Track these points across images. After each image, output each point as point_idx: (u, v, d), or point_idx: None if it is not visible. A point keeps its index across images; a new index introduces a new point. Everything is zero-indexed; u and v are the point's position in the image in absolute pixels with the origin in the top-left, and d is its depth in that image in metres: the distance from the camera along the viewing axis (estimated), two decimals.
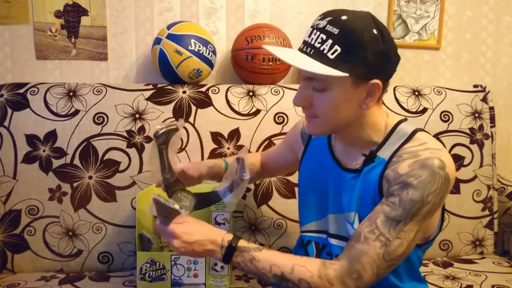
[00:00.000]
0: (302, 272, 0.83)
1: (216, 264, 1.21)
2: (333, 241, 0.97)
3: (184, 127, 1.43)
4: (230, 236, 0.88)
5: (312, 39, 0.82)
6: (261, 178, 1.37)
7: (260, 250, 0.87)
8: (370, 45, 0.80)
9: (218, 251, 0.87)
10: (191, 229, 0.87)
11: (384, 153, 0.89)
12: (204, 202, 1.00)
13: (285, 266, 0.84)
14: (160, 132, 0.93)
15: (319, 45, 0.81)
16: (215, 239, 0.87)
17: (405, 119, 0.93)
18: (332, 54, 0.80)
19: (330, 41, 0.80)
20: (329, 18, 0.82)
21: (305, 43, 0.85)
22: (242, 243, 0.87)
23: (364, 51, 0.80)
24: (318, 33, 0.81)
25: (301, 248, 1.06)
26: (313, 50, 0.82)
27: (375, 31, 0.82)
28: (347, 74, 0.80)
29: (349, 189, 0.93)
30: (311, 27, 0.85)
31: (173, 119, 1.43)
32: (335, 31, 0.80)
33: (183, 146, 1.43)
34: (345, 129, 0.90)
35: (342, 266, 0.82)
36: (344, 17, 0.81)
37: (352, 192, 0.92)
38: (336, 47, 0.79)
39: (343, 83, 0.82)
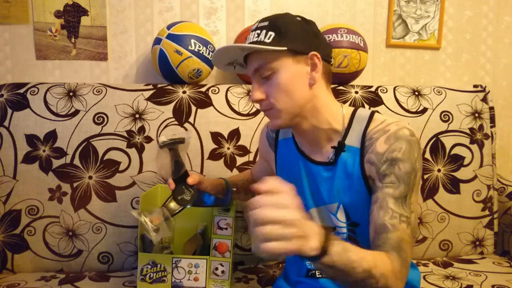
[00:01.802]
0: (384, 267, 0.76)
1: (217, 269, 1.21)
2: None
3: (184, 127, 1.43)
4: (319, 226, 0.70)
5: (249, 39, 0.92)
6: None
7: (345, 241, 0.74)
8: (296, 26, 0.91)
9: (316, 239, 0.67)
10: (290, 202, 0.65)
11: (351, 141, 0.93)
12: (201, 202, 1.08)
13: (371, 260, 0.74)
14: (163, 144, 1.04)
15: (256, 38, 0.90)
16: (311, 225, 0.68)
17: (359, 106, 0.96)
18: (268, 39, 0.89)
19: (264, 31, 0.90)
20: (258, 21, 0.94)
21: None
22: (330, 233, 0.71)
23: (293, 31, 0.90)
24: (253, 33, 0.92)
25: None
26: (252, 44, 0.91)
27: (297, 18, 0.94)
28: (284, 48, 0.88)
29: (327, 181, 0.95)
30: (251, 31, 0.94)
31: (173, 118, 1.43)
32: (265, 23, 0.91)
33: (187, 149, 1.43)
34: (305, 118, 0.93)
35: (397, 259, 0.79)
36: (269, 16, 0.94)
37: (331, 183, 0.94)
38: (270, 33, 0.89)
39: (285, 62, 0.89)
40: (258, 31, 0.91)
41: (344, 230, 0.95)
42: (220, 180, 1.18)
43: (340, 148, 0.93)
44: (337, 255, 0.69)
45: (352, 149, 0.92)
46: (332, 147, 0.94)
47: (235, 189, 1.17)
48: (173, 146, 1.06)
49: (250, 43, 0.91)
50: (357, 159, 0.91)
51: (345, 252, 0.71)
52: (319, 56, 0.90)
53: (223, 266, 1.20)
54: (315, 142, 0.97)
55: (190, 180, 1.05)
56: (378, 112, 0.96)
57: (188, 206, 1.08)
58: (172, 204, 1.10)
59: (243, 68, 0.99)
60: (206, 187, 1.11)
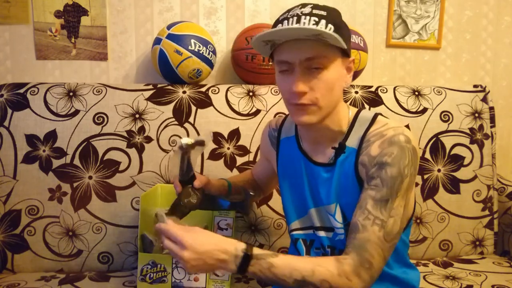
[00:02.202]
0: (323, 273, 0.81)
1: None
2: (321, 233, 1.00)
3: (184, 127, 1.43)
4: (242, 245, 0.83)
5: (305, 23, 0.84)
6: (260, 193, 1.32)
7: (276, 256, 0.83)
8: (346, 26, 0.90)
9: (231, 261, 0.81)
10: (200, 239, 0.82)
11: (351, 142, 0.93)
12: (208, 204, 1.06)
13: (305, 270, 0.81)
14: (186, 144, 0.99)
15: (314, 26, 0.83)
16: (226, 248, 0.81)
17: (364, 108, 0.96)
18: (329, 30, 0.83)
19: (323, 21, 0.84)
20: (310, 5, 0.87)
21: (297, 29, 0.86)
22: (256, 250, 0.83)
23: (346, 30, 0.89)
24: (308, 17, 0.84)
25: (293, 251, 1.08)
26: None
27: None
28: (345, 47, 0.86)
29: (326, 182, 0.96)
30: (294, 16, 0.86)
31: (173, 118, 1.43)
32: (323, 13, 0.85)
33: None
34: (328, 117, 0.92)
35: (353, 259, 0.83)
36: (321, 4, 0.88)
37: (330, 184, 0.95)
38: (330, 25, 0.84)
39: (336, 60, 0.88)
40: (316, 19, 0.84)
41: (342, 231, 0.95)
42: (222, 181, 1.18)
43: (340, 149, 0.94)
44: (258, 272, 0.81)
45: (350, 150, 0.93)
46: (332, 148, 0.95)
47: (253, 193, 1.14)
48: (193, 148, 1.01)
49: (305, 29, 0.84)
50: (353, 161, 0.92)
51: (270, 269, 0.81)
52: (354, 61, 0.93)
53: None
54: (320, 142, 0.98)
55: (196, 183, 1.03)
56: (381, 114, 0.96)
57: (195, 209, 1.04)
58: (183, 208, 1.03)
59: (268, 50, 0.92)
60: (209, 189, 1.09)
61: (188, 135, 1.43)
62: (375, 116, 0.95)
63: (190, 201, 1.01)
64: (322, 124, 0.93)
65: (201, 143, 1.01)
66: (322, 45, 0.84)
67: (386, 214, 0.84)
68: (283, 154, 1.09)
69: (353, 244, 0.84)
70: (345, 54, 0.90)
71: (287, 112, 1.14)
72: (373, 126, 0.92)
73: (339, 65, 0.89)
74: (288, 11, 0.89)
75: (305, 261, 0.85)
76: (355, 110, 0.98)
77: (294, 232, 1.07)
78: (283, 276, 0.81)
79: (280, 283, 0.83)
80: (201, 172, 1.43)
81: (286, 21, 0.86)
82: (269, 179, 1.25)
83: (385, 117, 0.96)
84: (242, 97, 1.49)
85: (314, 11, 0.85)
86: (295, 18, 0.85)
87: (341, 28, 0.87)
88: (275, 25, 0.90)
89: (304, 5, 0.88)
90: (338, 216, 0.95)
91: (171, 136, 1.43)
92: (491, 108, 1.60)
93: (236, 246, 0.82)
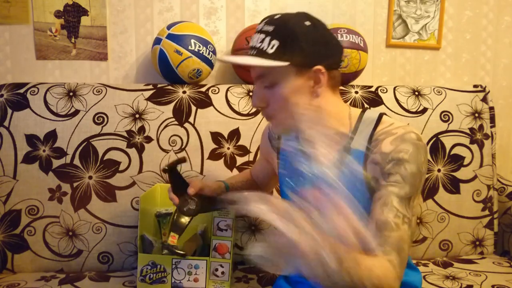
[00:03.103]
0: (382, 275, 0.73)
1: (216, 270, 1.21)
2: None
3: (184, 127, 1.43)
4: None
5: (254, 41, 0.89)
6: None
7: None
8: (303, 35, 0.86)
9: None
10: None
11: (357, 144, 0.90)
12: (208, 206, 1.09)
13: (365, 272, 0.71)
14: (167, 167, 1.07)
15: (260, 44, 0.87)
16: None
17: (368, 108, 0.95)
18: (271, 48, 0.85)
19: (267, 38, 0.86)
20: (265, 20, 0.89)
21: (250, 48, 0.90)
22: None
23: (299, 41, 0.85)
24: (258, 34, 0.88)
25: None
26: (255, 51, 0.88)
27: (306, 23, 0.87)
28: (286, 63, 0.84)
29: None
30: (256, 31, 0.90)
31: (173, 118, 1.43)
32: (270, 28, 0.86)
33: (183, 146, 1.43)
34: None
35: (396, 259, 0.77)
36: (277, 16, 0.88)
37: None
38: (274, 42, 0.85)
39: (288, 75, 0.87)
40: (263, 36, 0.87)
41: None
42: (219, 183, 1.18)
43: (345, 151, 0.91)
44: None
45: (357, 152, 0.90)
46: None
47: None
48: (176, 166, 1.09)
49: (252, 48, 0.88)
50: (361, 163, 0.89)
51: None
52: (323, 70, 0.87)
53: (223, 267, 1.20)
54: None
55: (190, 190, 1.06)
56: (386, 114, 0.95)
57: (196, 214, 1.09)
58: (182, 219, 1.09)
59: None
60: (205, 193, 1.11)
61: (188, 135, 1.43)
62: (380, 115, 0.93)
63: (190, 208, 1.06)
64: None
65: (182, 161, 1.11)
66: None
67: (410, 212, 0.83)
68: (284, 156, 1.08)
69: (391, 243, 0.79)
70: (307, 65, 0.87)
71: None
72: (380, 126, 0.90)
73: (292, 78, 0.87)
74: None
75: (363, 259, 0.74)
76: (358, 110, 0.95)
77: None
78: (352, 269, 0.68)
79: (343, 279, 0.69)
80: (201, 172, 1.43)
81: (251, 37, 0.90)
82: (268, 179, 1.24)
83: (388, 116, 0.95)
84: (242, 97, 1.49)
85: (264, 27, 0.87)
86: (255, 34, 0.90)
87: (291, 42, 0.84)
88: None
89: (263, 19, 0.90)
90: None
91: (171, 136, 1.43)
92: (491, 108, 1.61)
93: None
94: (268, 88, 0.89)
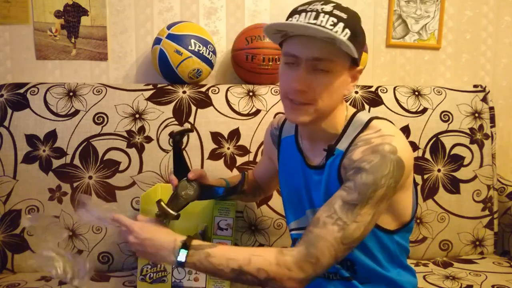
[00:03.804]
0: (260, 262, 0.83)
1: None
2: None
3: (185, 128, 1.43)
4: (182, 237, 0.87)
5: (322, 21, 0.82)
6: (260, 193, 1.33)
7: (215, 246, 0.86)
8: (362, 35, 0.88)
9: (170, 252, 0.85)
10: (146, 227, 0.90)
11: (342, 145, 0.92)
12: (207, 194, 1.06)
13: (242, 259, 0.83)
14: (175, 132, 1.04)
15: (332, 27, 0.82)
16: (167, 240, 0.87)
17: (362, 109, 0.95)
18: (344, 36, 0.82)
19: (341, 24, 0.82)
20: (332, 4, 0.85)
21: (312, 24, 0.82)
22: (196, 242, 0.86)
23: (361, 39, 0.87)
24: (327, 16, 0.82)
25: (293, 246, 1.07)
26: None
27: (360, 24, 0.89)
28: (356, 56, 0.84)
29: (317, 186, 0.96)
30: (313, 10, 0.84)
31: (173, 118, 1.43)
32: (344, 15, 0.83)
33: (183, 147, 1.43)
34: (323, 119, 0.92)
35: (299, 252, 0.83)
36: (344, 6, 0.86)
37: (320, 188, 0.94)
38: (347, 30, 0.82)
39: (343, 66, 0.87)
40: (334, 20, 0.82)
41: None
42: (221, 180, 1.18)
43: (330, 152, 0.93)
44: (197, 263, 0.84)
45: (339, 152, 0.92)
46: (324, 150, 0.94)
47: (246, 172, 1.16)
48: (183, 136, 1.08)
49: (320, 25, 0.81)
50: (338, 163, 0.91)
51: (207, 258, 0.83)
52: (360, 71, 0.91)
53: None
54: (316, 141, 0.97)
55: (191, 175, 1.04)
56: (380, 118, 0.94)
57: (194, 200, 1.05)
58: (180, 200, 1.04)
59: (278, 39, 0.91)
60: (205, 183, 1.09)
61: (188, 135, 1.43)
62: (370, 120, 0.92)
63: (188, 193, 1.03)
64: (317, 126, 0.93)
65: (189, 130, 1.12)
66: (333, 48, 0.83)
67: (351, 218, 0.83)
68: (283, 153, 1.09)
69: (307, 237, 0.84)
70: (354, 62, 0.88)
71: None
72: (365, 131, 0.90)
73: (345, 72, 0.87)
74: (309, 3, 0.86)
75: (242, 251, 0.88)
76: (352, 111, 0.96)
77: (293, 232, 1.07)
78: (220, 265, 0.83)
79: (218, 273, 0.84)
80: None
81: (304, 14, 0.84)
82: (270, 179, 1.25)
83: (386, 119, 0.94)
84: (242, 97, 1.49)
85: (335, 11, 0.83)
86: (313, 13, 0.83)
87: (358, 35, 0.84)
88: (291, 14, 0.87)
89: (326, 2, 0.85)
90: None
91: None
92: (491, 108, 1.61)
93: (176, 238, 0.87)
94: (318, 73, 0.84)
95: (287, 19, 0.87)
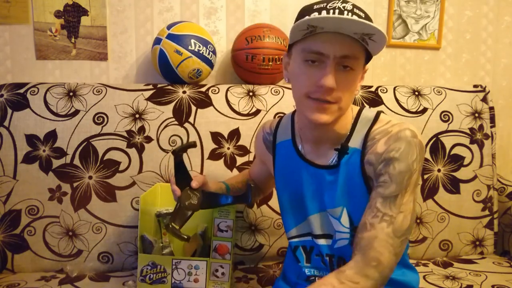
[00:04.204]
0: None
1: (217, 270, 1.21)
2: (320, 241, 0.98)
3: (184, 127, 1.43)
4: None
5: (360, 15, 0.82)
6: (259, 193, 1.32)
7: None
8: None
9: None
10: None
11: (354, 142, 0.92)
12: (210, 202, 1.05)
13: None
14: (178, 149, 1.02)
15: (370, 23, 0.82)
16: None
17: (364, 106, 0.95)
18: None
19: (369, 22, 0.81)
20: (350, 3, 0.83)
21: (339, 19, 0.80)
22: None
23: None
24: (350, 14, 0.81)
25: (291, 255, 1.06)
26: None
27: None
28: (376, 54, 0.86)
29: (330, 185, 0.94)
30: (335, 8, 0.81)
31: (173, 118, 1.43)
32: (362, 14, 0.83)
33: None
34: (338, 118, 0.90)
35: (357, 261, 0.82)
36: (358, 6, 0.85)
37: (335, 187, 0.93)
38: None
39: (361, 64, 0.87)
40: (364, 16, 0.82)
41: (347, 235, 0.93)
42: (220, 184, 1.16)
43: (343, 150, 0.92)
44: None
45: (354, 150, 0.91)
46: (335, 149, 0.93)
47: (253, 185, 1.12)
48: (185, 151, 1.06)
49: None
50: (358, 161, 0.90)
51: None
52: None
53: (223, 268, 1.20)
54: (322, 143, 0.95)
55: (194, 184, 1.02)
56: (383, 112, 0.95)
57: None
58: (184, 211, 1.04)
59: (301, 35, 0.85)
60: (207, 189, 1.08)
61: (188, 135, 1.43)
62: (378, 114, 0.93)
63: (191, 202, 1.02)
64: (329, 126, 0.91)
65: (192, 145, 1.06)
66: (359, 45, 0.83)
67: (395, 209, 0.83)
68: (280, 159, 1.06)
69: (359, 245, 0.83)
70: (366, 61, 0.89)
71: (287, 112, 1.13)
72: (376, 125, 0.91)
73: (361, 68, 0.88)
74: (326, 2, 0.83)
75: None
76: (356, 109, 0.96)
77: (292, 240, 1.05)
78: None
79: None
80: (201, 173, 1.43)
81: (324, 12, 0.81)
82: (266, 180, 1.24)
83: (385, 114, 0.95)
84: (242, 97, 1.49)
85: (355, 10, 0.82)
86: (336, 10, 0.81)
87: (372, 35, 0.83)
88: (306, 13, 0.84)
89: (344, 1, 0.83)
90: (344, 220, 0.93)
91: (171, 136, 1.43)
92: (491, 108, 1.61)
93: None
94: (343, 70, 0.83)
95: (299, 18, 0.83)
